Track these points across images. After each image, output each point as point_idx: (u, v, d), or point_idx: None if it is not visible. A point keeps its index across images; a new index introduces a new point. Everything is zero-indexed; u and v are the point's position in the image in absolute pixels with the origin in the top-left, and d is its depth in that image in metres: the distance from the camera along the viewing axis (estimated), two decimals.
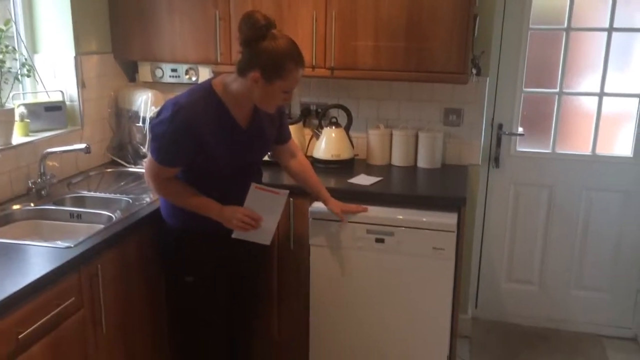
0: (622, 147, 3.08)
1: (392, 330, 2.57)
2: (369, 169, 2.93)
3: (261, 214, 2.13)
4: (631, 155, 3.05)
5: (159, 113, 2.03)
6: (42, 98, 2.74)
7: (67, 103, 2.77)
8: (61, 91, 2.75)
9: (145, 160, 2.16)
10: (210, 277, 2.24)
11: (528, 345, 3.13)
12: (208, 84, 2.07)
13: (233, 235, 2.13)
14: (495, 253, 3.32)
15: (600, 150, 3.10)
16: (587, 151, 3.12)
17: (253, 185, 2.15)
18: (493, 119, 3.13)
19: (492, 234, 3.29)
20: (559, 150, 3.15)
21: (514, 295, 3.35)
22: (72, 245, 1.92)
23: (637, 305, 3.19)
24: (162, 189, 2.11)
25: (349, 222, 2.48)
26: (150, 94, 2.91)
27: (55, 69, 2.76)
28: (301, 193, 2.55)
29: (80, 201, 2.49)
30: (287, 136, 2.39)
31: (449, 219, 2.44)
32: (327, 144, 2.94)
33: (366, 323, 2.60)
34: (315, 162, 2.97)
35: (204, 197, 2.09)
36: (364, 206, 2.49)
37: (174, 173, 2.08)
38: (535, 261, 3.28)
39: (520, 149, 3.18)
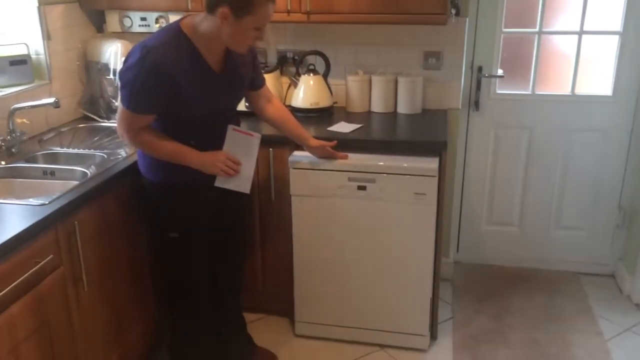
0: (602, 87, 3.07)
1: (376, 276, 2.59)
2: (349, 117, 2.88)
3: (239, 158, 2.12)
4: (610, 94, 3.05)
5: (126, 59, 1.94)
6: (6, 52, 2.61)
7: (33, 56, 2.66)
8: (25, 44, 2.63)
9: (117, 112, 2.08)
10: (194, 232, 2.21)
11: (509, 285, 3.19)
12: (176, 25, 1.98)
13: (215, 184, 2.10)
14: (475, 196, 3.33)
15: (580, 90, 3.09)
16: (567, 91, 3.10)
17: (230, 127, 2.12)
18: (473, 61, 3.09)
19: (472, 178, 3.30)
20: (538, 92, 3.13)
21: (494, 237, 3.39)
22: (46, 202, 1.87)
23: (615, 242, 3.25)
24: (137, 139, 2.04)
25: (329, 170, 2.46)
26: (119, 45, 2.80)
27: (18, 20, 2.63)
28: (280, 142, 2.51)
29: (53, 158, 2.42)
30: (261, 81, 2.32)
31: (431, 164, 2.42)
32: (306, 92, 2.88)
33: (350, 270, 2.61)
34: (294, 111, 2.91)
35: (182, 145, 2.04)
36: (344, 153, 2.46)
37: (148, 122, 2.01)
38: (515, 203, 3.31)
39: (500, 91, 3.15)
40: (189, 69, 1.95)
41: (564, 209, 3.27)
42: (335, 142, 2.46)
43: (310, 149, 2.43)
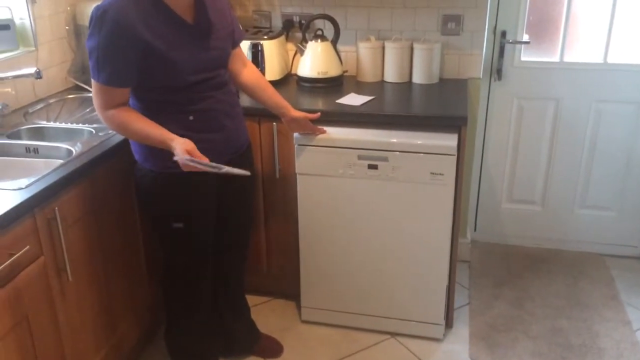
0: (637, 55, 2.80)
1: (387, 261, 2.41)
2: (360, 87, 2.66)
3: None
4: None
5: (88, 28, 1.73)
6: None
7: (17, 21, 2.45)
8: (8, 7, 2.42)
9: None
10: (198, 219, 2.02)
11: (529, 268, 3.00)
12: None
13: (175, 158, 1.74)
14: (495, 172, 3.12)
15: (613, 59, 2.83)
16: (599, 60, 2.84)
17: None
18: (495, 26, 2.83)
19: (492, 153, 3.08)
20: (567, 60, 2.87)
21: (515, 216, 3.18)
22: (22, 187, 1.69)
23: None
24: (113, 119, 1.79)
25: (337, 147, 2.25)
26: None
27: None
28: None
29: (38, 133, 2.23)
30: (238, 38, 2.06)
31: (449, 141, 2.21)
32: (313, 60, 2.65)
33: (360, 254, 2.43)
34: (300, 80, 2.70)
35: (164, 131, 1.79)
36: (323, 128, 2.27)
37: (125, 96, 1.80)
38: (538, 179, 3.09)
39: (525, 58, 2.90)
40: (156, 23, 1.73)
41: (590, 187, 3.04)
42: (318, 114, 2.22)
43: (291, 120, 2.20)
